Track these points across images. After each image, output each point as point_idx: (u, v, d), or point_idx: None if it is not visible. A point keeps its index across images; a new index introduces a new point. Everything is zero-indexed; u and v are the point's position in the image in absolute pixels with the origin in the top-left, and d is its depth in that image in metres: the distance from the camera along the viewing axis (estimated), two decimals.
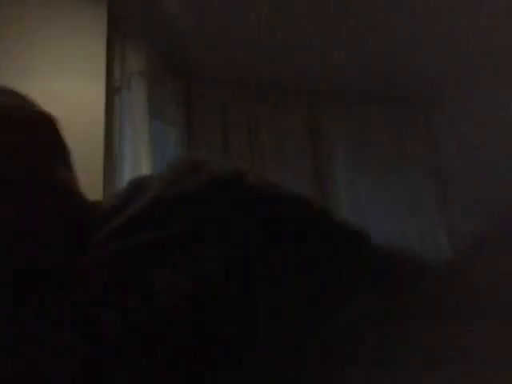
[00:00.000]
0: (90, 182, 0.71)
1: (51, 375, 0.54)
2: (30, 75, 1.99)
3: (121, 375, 0.54)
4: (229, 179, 0.65)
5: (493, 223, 0.63)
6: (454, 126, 2.92)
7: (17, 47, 2.00)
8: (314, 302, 0.60)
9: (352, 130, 3.01)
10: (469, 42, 2.58)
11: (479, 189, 2.56)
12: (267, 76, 2.83)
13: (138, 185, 0.69)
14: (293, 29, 2.53)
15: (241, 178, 0.66)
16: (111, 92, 2.16)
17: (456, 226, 2.83)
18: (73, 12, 2.13)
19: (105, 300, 0.58)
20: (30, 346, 0.56)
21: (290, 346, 0.57)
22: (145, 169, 2.08)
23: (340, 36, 2.58)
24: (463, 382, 0.51)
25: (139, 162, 2.10)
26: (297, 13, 2.44)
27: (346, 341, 0.57)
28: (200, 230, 0.60)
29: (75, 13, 2.13)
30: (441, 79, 2.82)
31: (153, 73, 2.33)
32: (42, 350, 0.55)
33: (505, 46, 2.51)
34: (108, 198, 0.71)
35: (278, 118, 2.94)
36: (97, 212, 0.68)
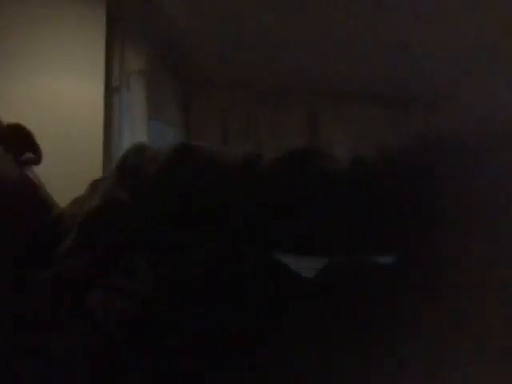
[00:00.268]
0: (89, 181, 0.70)
1: None
2: (29, 75, 1.99)
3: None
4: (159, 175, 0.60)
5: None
6: (454, 125, 2.91)
7: (17, 47, 2.00)
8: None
9: (352, 130, 3.00)
10: (469, 41, 2.57)
11: None
12: (267, 76, 2.83)
13: (94, 187, 0.67)
14: (293, 29, 2.53)
15: (172, 169, 0.60)
16: (110, 91, 2.16)
17: None
18: (72, 12, 2.13)
19: (50, 325, 0.57)
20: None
21: (290, 346, 0.57)
22: None
23: (340, 36, 2.58)
24: (464, 381, 0.51)
25: None
26: (297, 13, 2.44)
27: (345, 340, 0.56)
28: (130, 242, 0.59)
29: (74, 13, 2.13)
30: (441, 79, 2.82)
31: (152, 73, 2.33)
32: None
33: (505, 46, 2.51)
34: (69, 203, 0.68)
35: (277, 117, 2.93)
36: (64, 220, 0.66)
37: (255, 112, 2.91)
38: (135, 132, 2.13)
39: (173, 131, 2.50)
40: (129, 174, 0.62)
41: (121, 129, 2.13)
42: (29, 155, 0.69)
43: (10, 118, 0.71)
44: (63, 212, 0.67)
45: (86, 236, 0.60)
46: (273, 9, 2.40)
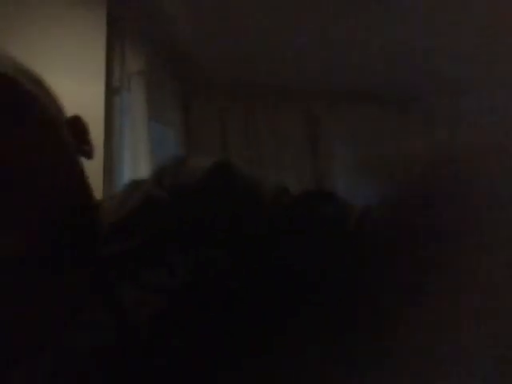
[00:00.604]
0: (89, 181, 0.70)
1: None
2: None
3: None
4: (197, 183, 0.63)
5: None
6: (454, 126, 2.92)
7: (17, 47, 2.00)
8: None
9: (352, 130, 3.01)
10: (469, 42, 2.58)
11: None
12: (267, 76, 2.83)
13: (133, 187, 0.68)
14: (293, 29, 2.53)
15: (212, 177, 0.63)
16: (111, 93, 2.16)
17: None
18: (72, 13, 2.13)
19: (79, 316, 0.57)
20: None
21: (290, 345, 0.57)
22: (144, 170, 2.08)
23: (340, 36, 2.58)
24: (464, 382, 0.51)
25: (138, 163, 2.10)
26: (297, 13, 2.44)
27: (345, 341, 0.57)
28: (163, 238, 0.60)
29: (75, 13, 2.13)
30: (441, 79, 2.82)
31: (152, 73, 2.33)
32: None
33: (505, 46, 2.51)
34: (106, 199, 0.69)
35: (277, 117, 2.94)
36: (100, 213, 0.67)
37: (255, 112, 2.91)
38: (135, 133, 2.14)
39: (173, 132, 2.50)
40: (168, 180, 0.65)
41: (121, 130, 2.14)
42: (85, 147, 0.70)
43: None
44: (101, 204, 0.68)
45: (129, 229, 0.62)
46: (273, 9, 2.40)
